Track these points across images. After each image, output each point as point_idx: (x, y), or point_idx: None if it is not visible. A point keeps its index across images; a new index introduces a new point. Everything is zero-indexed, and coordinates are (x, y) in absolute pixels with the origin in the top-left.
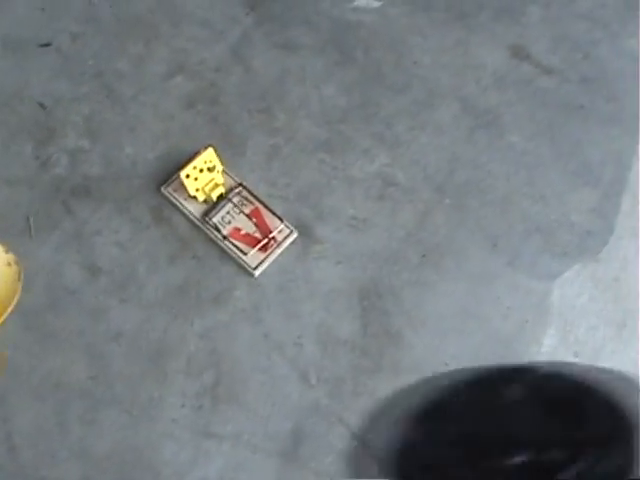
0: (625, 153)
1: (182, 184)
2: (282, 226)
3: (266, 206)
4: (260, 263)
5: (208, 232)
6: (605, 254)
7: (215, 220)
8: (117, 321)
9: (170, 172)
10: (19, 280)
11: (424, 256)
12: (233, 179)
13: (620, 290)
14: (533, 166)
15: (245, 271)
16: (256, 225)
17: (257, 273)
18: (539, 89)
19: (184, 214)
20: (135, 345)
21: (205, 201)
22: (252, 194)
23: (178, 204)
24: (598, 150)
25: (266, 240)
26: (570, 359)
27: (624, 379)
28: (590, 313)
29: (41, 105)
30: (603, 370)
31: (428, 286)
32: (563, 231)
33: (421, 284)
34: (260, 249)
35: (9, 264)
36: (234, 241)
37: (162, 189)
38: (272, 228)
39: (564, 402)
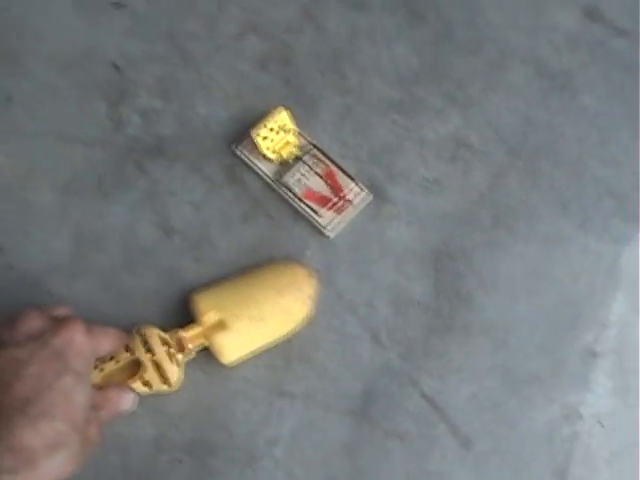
0: None
1: (255, 144)
2: (355, 187)
3: (339, 167)
4: (333, 223)
5: (281, 192)
6: None
7: (288, 180)
8: (191, 280)
9: (243, 132)
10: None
11: (496, 218)
12: (306, 139)
13: None
14: (606, 128)
15: (318, 231)
16: (329, 185)
17: (329, 233)
18: (612, 51)
19: (257, 174)
20: None
21: (278, 161)
22: (325, 154)
23: (251, 164)
24: None
25: (339, 200)
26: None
27: None
28: None
29: (114, 65)
30: None
31: (500, 248)
32: (635, 195)
33: (493, 246)
34: (333, 209)
35: (309, 275)
36: (307, 201)
37: (235, 149)
38: (345, 188)
39: None
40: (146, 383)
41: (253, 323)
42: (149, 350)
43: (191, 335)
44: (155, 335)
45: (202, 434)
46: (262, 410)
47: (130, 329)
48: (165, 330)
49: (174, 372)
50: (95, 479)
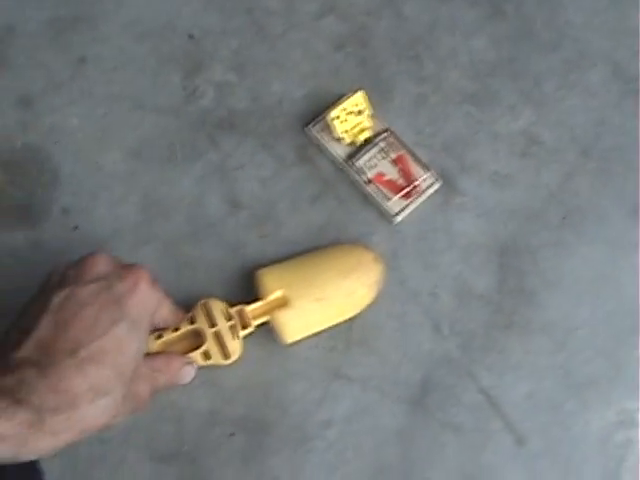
0: None
1: (329, 125)
2: (426, 175)
3: (412, 153)
4: (402, 210)
5: (351, 175)
6: None
7: (360, 163)
8: (254, 256)
9: (316, 112)
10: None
11: (565, 218)
12: (380, 124)
13: None
14: None
15: (385, 217)
16: (400, 172)
17: (398, 220)
18: None
19: (328, 155)
20: None
21: (350, 144)
22: (398, 140)
23: (323, 145)
24: None
25: (410, 187)
26: None
27: None
28: None
29: (190, 36)
30: None
31: (566, 248)
32: None
33: (559, 246)
34: (403, 196)
35: (375, 260)
36: (378, 186)
37: (308, 129)
38: (416, 176)
39: None
40: (205, 354)
41: (317, 303)
42: (212, 322)
43: (254, 311)
44: (219, 308)
45: (256, 410)
46: (318, 391)
47: (190, 299)
48: (229, 304)
49: (234, 346)
50: (148, 445)
